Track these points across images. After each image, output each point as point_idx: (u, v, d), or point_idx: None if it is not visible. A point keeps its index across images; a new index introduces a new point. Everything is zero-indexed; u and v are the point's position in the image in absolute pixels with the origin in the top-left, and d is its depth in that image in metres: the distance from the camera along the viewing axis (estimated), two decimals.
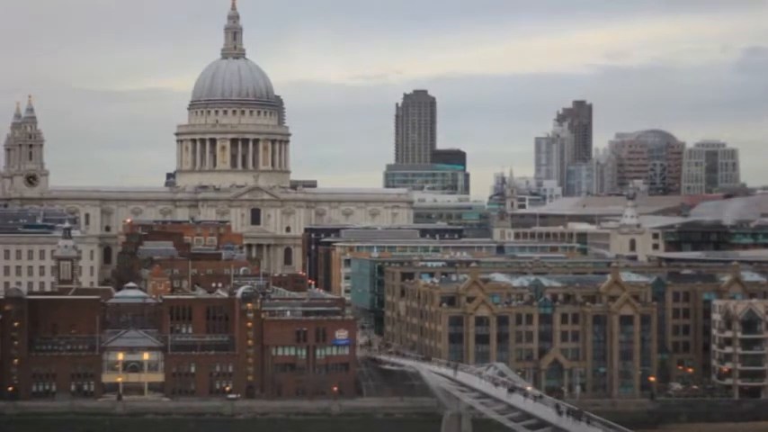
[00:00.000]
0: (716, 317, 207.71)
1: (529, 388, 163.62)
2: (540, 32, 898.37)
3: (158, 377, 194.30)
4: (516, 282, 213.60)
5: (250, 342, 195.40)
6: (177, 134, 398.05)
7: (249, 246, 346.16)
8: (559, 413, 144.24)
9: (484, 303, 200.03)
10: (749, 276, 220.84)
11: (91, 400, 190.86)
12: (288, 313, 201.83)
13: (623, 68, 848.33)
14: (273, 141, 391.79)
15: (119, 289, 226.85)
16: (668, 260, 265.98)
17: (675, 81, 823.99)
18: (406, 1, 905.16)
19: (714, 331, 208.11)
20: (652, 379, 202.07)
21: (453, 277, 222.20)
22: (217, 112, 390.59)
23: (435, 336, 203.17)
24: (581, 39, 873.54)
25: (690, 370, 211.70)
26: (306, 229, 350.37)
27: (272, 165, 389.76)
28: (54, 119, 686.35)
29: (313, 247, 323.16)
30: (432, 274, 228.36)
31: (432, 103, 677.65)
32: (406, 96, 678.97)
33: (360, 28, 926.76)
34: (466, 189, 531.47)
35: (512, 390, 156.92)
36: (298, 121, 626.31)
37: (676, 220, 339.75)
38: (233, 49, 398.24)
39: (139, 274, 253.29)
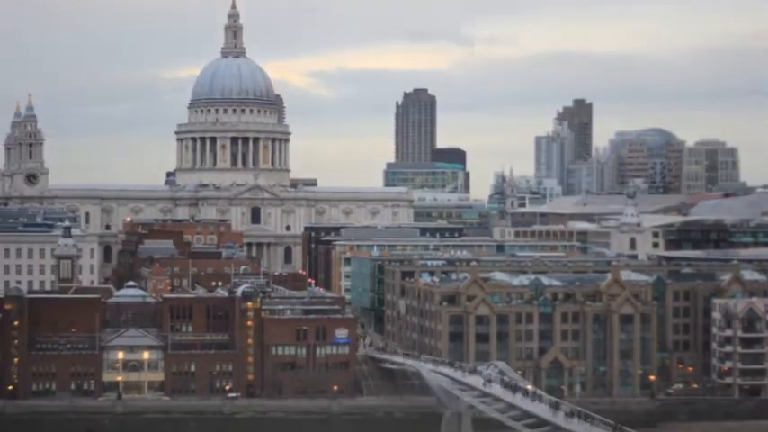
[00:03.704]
0: (716, 315, 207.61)
1: (529, 387, 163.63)
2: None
3: (158, 376, 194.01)
4: (516, 281, 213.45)
5: (250, 341, 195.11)
6: (177, 133, 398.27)
7: (249, 244, 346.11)
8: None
9: (484, 302, 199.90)
10: (749, 275, 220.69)
11: (91, 398, 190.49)
12: (288, 312, 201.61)
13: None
14: (273, 140, 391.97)
15: (119, 288, 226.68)
16: (668, 259, 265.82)
17: None
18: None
19: (714, 330, 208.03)
20: (652, 378, 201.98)
21: (453, 276, 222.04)
22: (217, 110, 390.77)
23: (435, 335, 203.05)
24: None
25: (690, 369, 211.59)
26: (306, 228, 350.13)
27: (273, 163, 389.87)
28: (54, 117, 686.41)
29: (313, 245, 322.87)
30: (432, 273, 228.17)
31: (432, 101, 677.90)
32: (406, 95, 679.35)
33: (360, 27, 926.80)
34: (466, 188, 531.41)
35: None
36: (298, 120, 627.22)
37: (676, 219, 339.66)
38: (233, 48, 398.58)
39: (139, 272, 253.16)
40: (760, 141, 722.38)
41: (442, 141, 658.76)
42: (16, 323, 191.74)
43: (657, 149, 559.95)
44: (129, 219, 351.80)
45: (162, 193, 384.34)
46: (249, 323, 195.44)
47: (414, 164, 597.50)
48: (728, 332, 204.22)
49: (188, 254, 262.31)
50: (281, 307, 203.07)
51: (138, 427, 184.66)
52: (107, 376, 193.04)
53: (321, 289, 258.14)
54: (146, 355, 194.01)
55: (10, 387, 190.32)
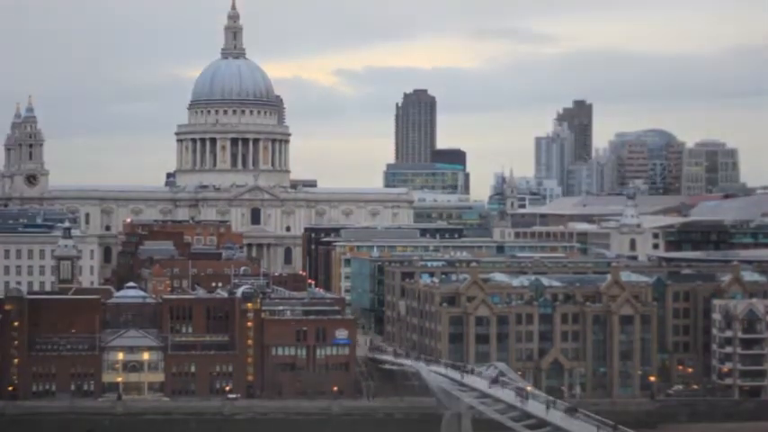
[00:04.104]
0: (716, 317, 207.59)
1: (529, 388, 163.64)
2: None
3: (158, 377, 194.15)
4: (516, 281, 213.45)
5: (250, 342, 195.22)
6: (177, 134, 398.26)
7: (249, 245, 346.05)
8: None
9: (484, 303, 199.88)
10: (749, 276, 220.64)
11: (91, 399, 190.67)
12: (288, 313, 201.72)
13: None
14: (273, 141, 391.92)
15: (119, 289, 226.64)
16: (668, 260, 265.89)
17: None
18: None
19: (714, 331, 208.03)
20: (652, 379, 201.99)
21: (453, 277, 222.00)
22: (217, 111, 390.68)
23: (435, 336, 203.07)
24: None
25: (690, 370, 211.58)
26: (306, 229, 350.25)
27: (273, 164, 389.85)
28: (54, 118, 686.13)
29: (313, 246, 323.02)
30: (432, 274, 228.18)
31: (432, 102, 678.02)
32: (406, 96, 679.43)
33: (360, 26, 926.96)
34: (466, 189, 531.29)
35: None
36: (298, 121, 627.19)
37: (676, 220, 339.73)
38: (233, 49, 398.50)
39: (140, 273, 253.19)
40: (760, 142, 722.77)
41: (442, 142, 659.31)
42: (16, 324, 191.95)
43: (657, 150, 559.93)
44: (129, 220, 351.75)
45: (162, 194, 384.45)
46: (249, 324, 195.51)
47: (414, 165, 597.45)
48: (728, 333, 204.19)
49: (188, 255, 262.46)
50: (281, 308, 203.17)
51: (138, 427, 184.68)
52: (107, 377, 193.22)
53: (321, 290, 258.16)
54: (146, 355, 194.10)
55: (10, 388, 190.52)
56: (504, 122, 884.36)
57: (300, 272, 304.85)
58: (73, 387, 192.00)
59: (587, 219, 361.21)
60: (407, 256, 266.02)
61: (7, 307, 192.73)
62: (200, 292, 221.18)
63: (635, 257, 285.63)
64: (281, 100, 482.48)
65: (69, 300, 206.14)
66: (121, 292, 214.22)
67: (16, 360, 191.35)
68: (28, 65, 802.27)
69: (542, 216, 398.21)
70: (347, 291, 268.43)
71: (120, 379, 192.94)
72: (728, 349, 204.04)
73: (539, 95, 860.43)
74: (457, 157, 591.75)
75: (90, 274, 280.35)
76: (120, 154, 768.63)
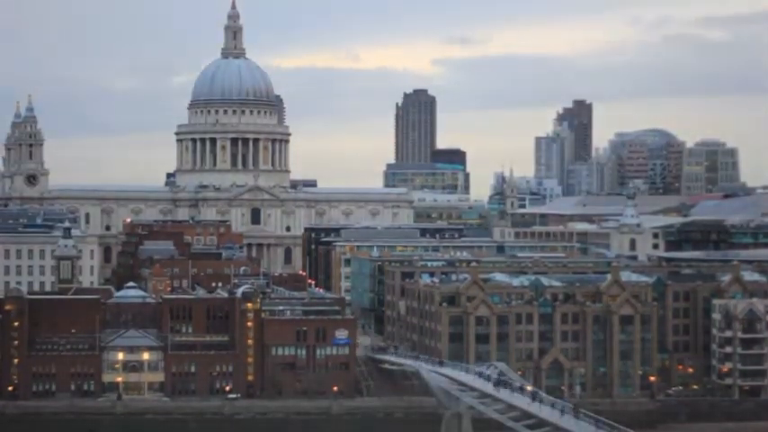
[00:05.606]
0: (716, 316, 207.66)
1: (529, 388, 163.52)
2: None
3: (158, 377, 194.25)
4: (516, 281, 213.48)
5: (250, 342, 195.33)
6: (177, 133, 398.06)
7: (249, 245, 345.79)
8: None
9: (484, 303, 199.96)
10: (749, 276, 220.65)
11: (91, 399, 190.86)
12: (288, 313, 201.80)
13: None
14: (273, 141, 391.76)
15: (119, 288, 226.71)
16: (668, 260, 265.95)
17: None
18: None
19: (714, 331, 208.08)
20: (652, 379, 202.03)
21: (453, 277, 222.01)
22: (217, 111, 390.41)
23: (435, 335, 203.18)
24: None
25: (690, 370, 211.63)
26: (306, 229, 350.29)
27: (273, 164, 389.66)
28: (54, 118, 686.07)
29: (313, 246, 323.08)
30: (432, 274, 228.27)
31: (431, 102, 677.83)
32: (406, 96, 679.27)
33: (360, 25, 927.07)
34: (466, 189, 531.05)
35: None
36: (298, 121, 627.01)
37: (676, 220, 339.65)
38: (233, 49, 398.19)
39: (140, 273, 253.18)
40: (760, 141, 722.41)
41: (442, 142, 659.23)
42: (16, 324, 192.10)
43: (657, 150, 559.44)
44: (129, 219, 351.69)
45: (162, 194, 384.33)
46: (249, 324, 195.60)
47: (414, 164, 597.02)
48: (728, 333, 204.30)
49: (188, 255, 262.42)
50: (281, 308, 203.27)
51: (138, 427, 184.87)
52: (107, 377, 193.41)
53: (321, 290, 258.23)
54: (146, 355, 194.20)
55: (10, 388, 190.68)
56: (504, 122, 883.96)
57: (300, 272, 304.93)
58: (73, 387, 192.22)
59: (587, 219, 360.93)
60: (407, 255, 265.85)
61: (7, 307, 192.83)
62: (201, 292, 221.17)
63: (635, 257, 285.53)
64: (281, 100, 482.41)
65: (69, 300, 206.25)
66: (121, 292, 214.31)
67: (16, 360, 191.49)
68: (28, 65, 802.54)
69: (542, 216, 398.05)
70: (347, 291, 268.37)
71: (120, 379, 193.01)
72: (728, 349, 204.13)
73: (539, 95, 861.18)
74: (457, 156, 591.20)
75: (90, 274, 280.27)
76: (120, 154, 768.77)
